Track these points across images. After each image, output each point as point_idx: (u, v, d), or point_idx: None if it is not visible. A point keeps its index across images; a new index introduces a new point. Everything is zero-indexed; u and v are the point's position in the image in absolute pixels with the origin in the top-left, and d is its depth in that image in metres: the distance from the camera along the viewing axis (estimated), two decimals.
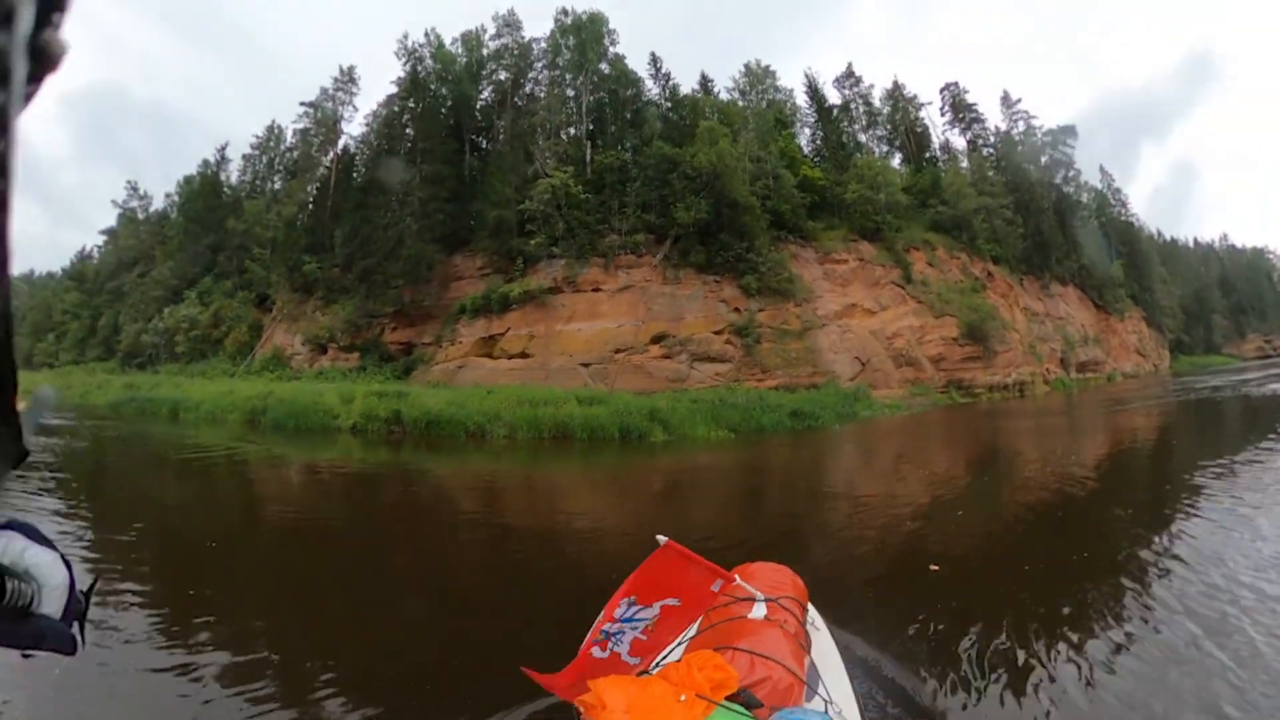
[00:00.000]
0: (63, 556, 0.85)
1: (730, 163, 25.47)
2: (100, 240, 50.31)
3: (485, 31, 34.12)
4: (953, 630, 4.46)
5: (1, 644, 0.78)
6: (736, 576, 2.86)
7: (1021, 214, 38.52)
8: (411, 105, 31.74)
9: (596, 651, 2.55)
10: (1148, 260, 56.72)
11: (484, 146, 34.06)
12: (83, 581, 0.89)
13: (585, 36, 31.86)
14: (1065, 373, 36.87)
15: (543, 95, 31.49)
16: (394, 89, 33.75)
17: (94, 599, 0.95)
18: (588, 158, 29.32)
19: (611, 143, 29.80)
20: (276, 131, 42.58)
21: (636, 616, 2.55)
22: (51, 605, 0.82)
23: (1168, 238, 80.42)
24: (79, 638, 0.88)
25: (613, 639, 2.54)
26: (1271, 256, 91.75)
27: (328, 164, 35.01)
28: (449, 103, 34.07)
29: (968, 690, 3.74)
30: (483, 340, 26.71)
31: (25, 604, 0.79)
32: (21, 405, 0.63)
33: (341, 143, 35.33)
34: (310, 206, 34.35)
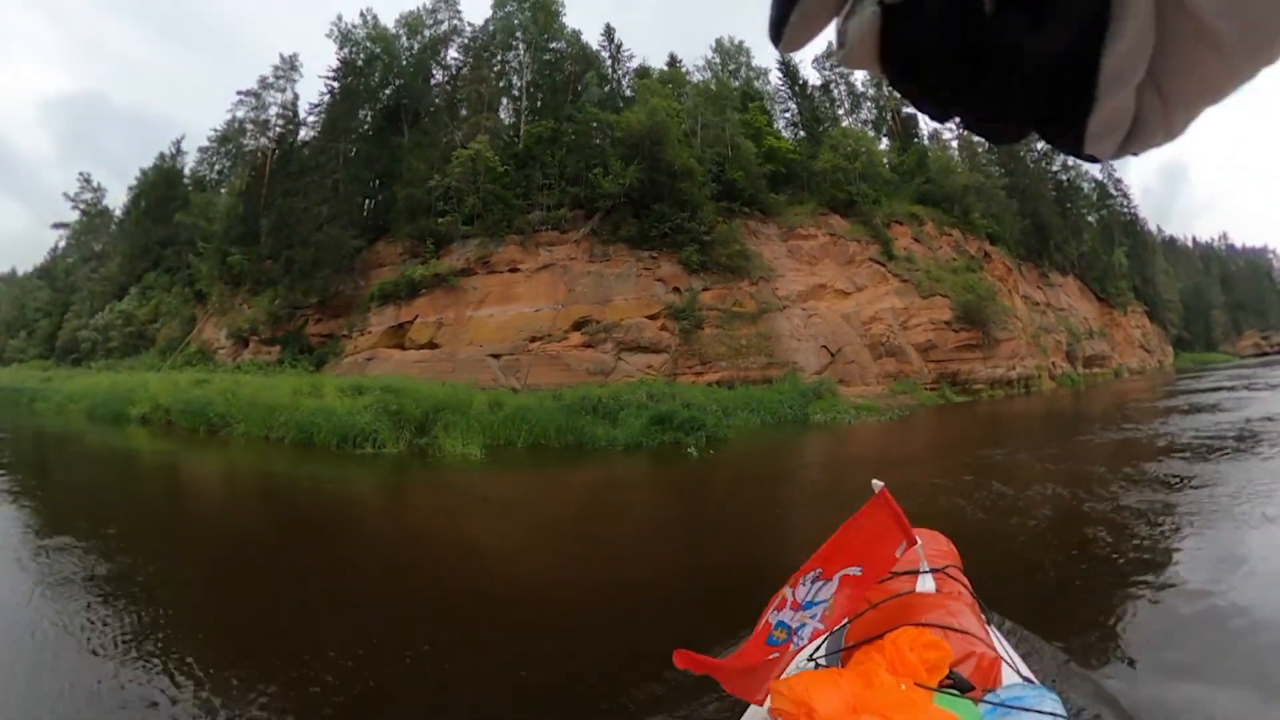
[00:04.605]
0: None
1: (665, 120, 19.24)
2: (58, 234, 45.94)
3: (426, 9, 28.79)
4: None
5: None
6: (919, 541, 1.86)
7: (1018, 198, 31.83)
8: (339, 86, 26.51)
9: (773, 649, 1.62)
10: (1151, 252, 49.26)
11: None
12: None
13: (528, 8, 26.29)
14: (1072, 367, 29.89)
15: (483, 69, 25.89)
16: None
17: None
18: (520, 132, 23.55)
19: (547, 115, 23.97)
20: (236, 125, 37.58)
21: (817, 599, 1.64)
22: None
23: (1167, 235, 72.30)
24: None
25: (795, 634, 1.63)
26: (1272, 256, 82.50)
27: (262, 152, 29.88)
28: (397, 84, 28.88)
29: None
30: (392, 329, 21.11)
31: None
32: None
33: (278, 131, 30.11)
34: (244, 196, 29.24)
